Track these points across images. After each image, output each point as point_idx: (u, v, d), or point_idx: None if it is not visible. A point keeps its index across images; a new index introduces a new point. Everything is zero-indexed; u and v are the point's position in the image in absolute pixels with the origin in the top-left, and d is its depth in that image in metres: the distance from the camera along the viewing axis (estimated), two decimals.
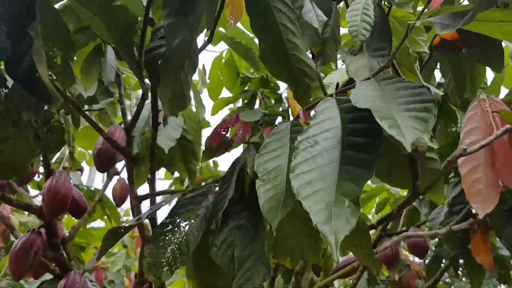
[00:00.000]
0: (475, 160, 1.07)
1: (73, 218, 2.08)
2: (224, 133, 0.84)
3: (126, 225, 0.92)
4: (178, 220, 0.84)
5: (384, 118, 0.56)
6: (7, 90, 0.82)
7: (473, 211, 1.54)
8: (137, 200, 1.04)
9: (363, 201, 2.71)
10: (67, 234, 1.92)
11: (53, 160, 2.57)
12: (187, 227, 0.83)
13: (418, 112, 0.57)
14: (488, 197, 1.04)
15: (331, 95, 0.80)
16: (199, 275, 0.93)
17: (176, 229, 0.83)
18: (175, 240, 0.81)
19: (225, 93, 2.40)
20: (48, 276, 1.71)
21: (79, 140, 2.30)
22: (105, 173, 2.06)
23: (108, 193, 2.36)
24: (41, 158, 1.29)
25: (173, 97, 0.97)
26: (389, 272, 2.50)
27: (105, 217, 3.67)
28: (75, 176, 2.47)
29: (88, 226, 3.52)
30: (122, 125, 1.47)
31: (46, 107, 0.89)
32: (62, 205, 1.20)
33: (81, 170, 2.06)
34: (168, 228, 0.83)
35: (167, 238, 0.82)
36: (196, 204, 0.86)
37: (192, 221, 0.84)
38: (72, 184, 1.30)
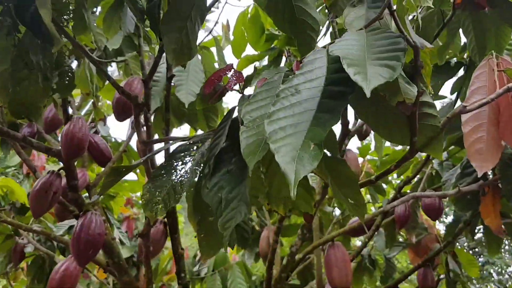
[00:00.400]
0: (479, 119, 1.06)
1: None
2: (217, 81, 0.87)
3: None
4: (175, 163, 0.90)
5: (352, 65, 0.57)
6: (20, 34, 0.87)
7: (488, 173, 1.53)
8: (143, 145, 1.10)
9: (384, 164, 2.71)
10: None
11: (83, 113, 2.69)
12: (183, 170, 0.88)
13: (388, 60, 0.59)
14: (488, 156, 1.04)
15: (324, 47, 0.82)
16: (197, 217, 0.99)
17: (173, 171, 0.88)
18: (171, 181, 0.87)
19: (249, 51, 2.39)
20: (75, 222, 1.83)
21: (107, 93, 2.39)
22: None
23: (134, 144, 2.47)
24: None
25: (178, 47, 1.00)
26: (407, 235, 2.53)
27: (138, 171, 3.84)
28: (103, 128, 2.58)
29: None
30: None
31: (56, 53, 0.95)
32: (78, 148, 1.28)
33: (104, 120, 2.15)
34: (165, 170, 0.89)
35: (164, 178, 0.87)
36: (193, 150, 0.91)
37: (189, 164, 0.89)
38: (89, 130, 1.37)
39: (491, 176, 1.56)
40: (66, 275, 1.47)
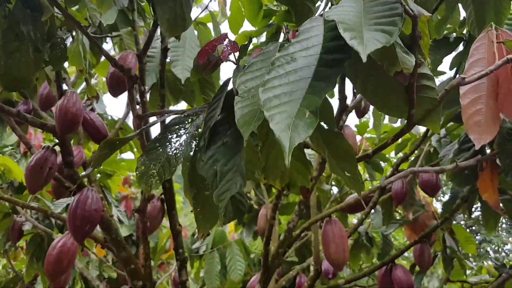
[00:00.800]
0: (477, 91, 1.05)
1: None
2: (211, 51, 0.86)
3: None
4: (170, 136, 0.88)
5: (348, 30, 0.56)
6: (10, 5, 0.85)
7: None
8: (138, 119, 1.09)
9: (382, 141, 2.69)
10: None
11: (78, 91, 2.67)
12: (177, 143, 0.87)
13: (385, 25, 0.57)
14: (486, 128, 1.03)
15: (320, 15, 0.80)
16: (193, 191, 0.98)
17: (167, 144, 0.87)
18: (166, 154, 0.86)
19: (247, 26, 2.36)
20: None
21: (102, 70, 2.36)
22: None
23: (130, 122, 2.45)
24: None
25: (172, 18, 0.98)
26: (404, 212, 2.54)
27: (135, 150, 3.83)
28: (100, 106, 2.56)
29: (118, 157, 3.68)
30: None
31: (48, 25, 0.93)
32: (72, 122, 1.27)
33: (97, 97, 2.13)
34: (160, 143, 0.88)
35: (158, 151, 0.86)
36: (188, 123, 0.90)
37: (183, 137, 0.88)
38: (83, 105, 1.35)
39: (489, 151, 1.55)
40: (63, 251, 1.48)
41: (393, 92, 0.92)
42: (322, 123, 0.90)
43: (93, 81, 2.50)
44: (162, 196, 1.62)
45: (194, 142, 0.87)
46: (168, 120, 0.95)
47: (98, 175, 3.03)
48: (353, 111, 2.37)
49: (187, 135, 0.87)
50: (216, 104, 0.87)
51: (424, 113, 1.01)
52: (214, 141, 0.85)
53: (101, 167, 3.05)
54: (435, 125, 1.04)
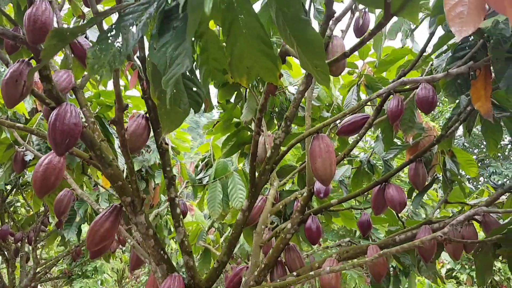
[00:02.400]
0: None
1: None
2: None
3: None
4: (122, 25, 0.84)
5: None
6: None
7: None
8: (97, 15, 1.04)
9: (383, 64, 2.61)
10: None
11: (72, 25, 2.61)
12: (130, 32, 0.83)
13: None
14: (469, 19, 0.96)
15: None
16: (156, 91, 0.95)
17: (119, 33, 0.83)
18: (117, 43, 0.82)
19: None
20: None
21: None
22: None
23: None
24: None
25: None
26: (404, 136, 2.50)
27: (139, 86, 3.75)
28: (91, 32, 2.50)
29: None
30: None
31: None
32: (41, 31, 1.22)
33: (83, 16, 2.07)
34: (112, 33, 0.84)
35: (109, 41, 0.82)
36: (142, 11, 0.85)
37: (136, 26, 0.84)
38: (53, 13, 1.30)
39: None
40: (50, 167, 1.48)
41: None
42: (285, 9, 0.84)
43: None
44: (147, 114, 1.61)
45: (147, 29, 0.83)
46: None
47: (99, 107, 3.03)
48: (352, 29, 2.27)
49: (140, 23, 0.83)
50: None
51: (401, 2, 0.95)
52: (166, 29, 0.81)
53: (101, 98, 3.04)
54: (413, 16, 0.98)
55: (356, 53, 2.86)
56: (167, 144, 1.59)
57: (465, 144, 9.03)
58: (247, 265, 2.25)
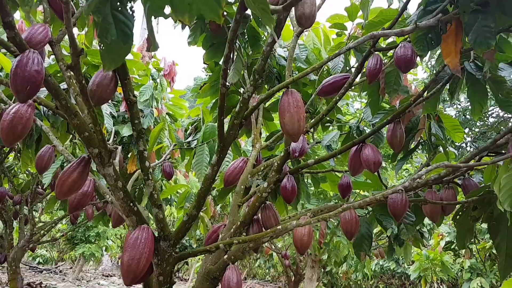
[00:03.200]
0: None
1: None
2: None
3: None
4: None
5: None
6: None
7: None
8: None
9: (371, 25, 2.55)
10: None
11: None
12: None
13: None
14: None
15: None
16: (98, 32, 0.94)
17: None
18: None
19: None
20: None
21: None
22: None
23: None
24: None
25: None
26: (389, 99, 2.47)
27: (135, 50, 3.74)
28: None
29: None
30: None
31: None
32: None
33: None
34: None
35: None
36: None
37: None
38: None
39: None
40: (17, 116, 1.48)
41: None
42: None
43: None
44: None
45: None
46: None
47: (85, 66, 3.02)
48: None
49: None
50: None
51: None
52: None
53: (88, 58, 3.02)
54: None
55: (345, 14, 2.80)
56: (135, 96, 1.59)
57: (468, 116, 8.94)
58: (225, 223, 2.27)
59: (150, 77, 4.28)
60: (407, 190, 1.91)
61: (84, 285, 8.66)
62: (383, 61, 1.90)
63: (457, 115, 8.69)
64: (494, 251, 8.71)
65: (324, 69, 3.06)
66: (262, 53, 1.60)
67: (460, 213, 2.25)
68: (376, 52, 1.93)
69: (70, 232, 10.44)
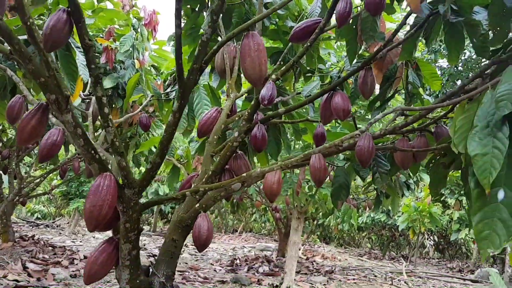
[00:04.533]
0: None
1: None
2: None
3: None
4: None
5: None
6: None
7: None
8: None
9: None
10: None
11: None
12: None
13: None
14: None
15: None
16: None
17: None
18: None
19: None
20: None
21: None
22: None
23: None
24: None
25: None
26: (366, 46, 2.42)
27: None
28: None
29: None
30: None
31: None
32: None
33: None
34: None
35: None
36: None
37: None
38: None
39: None
40: None
41: None
42: None
43: None
44: (68, 8, 1.53)
45: None
46: None
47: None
48: None
49: None
50: None
51: None
52: None
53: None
54: None
55: None
56: (90, 40, 1.54)
57: (460, 68, 8.82)
58: (199, 173, 2.27)
59: (131, 28, 4.17)
60: (375, 138, 1.90)
61: (79, 238, 8.83)
62: (352, 5, 1.83)
63: (449, 66, 8.58)
64: None
65: (305, 16, 2.98)
66: None
67: (433, 161, 2.25)
68: None
69: (65, 188, 10.54)
